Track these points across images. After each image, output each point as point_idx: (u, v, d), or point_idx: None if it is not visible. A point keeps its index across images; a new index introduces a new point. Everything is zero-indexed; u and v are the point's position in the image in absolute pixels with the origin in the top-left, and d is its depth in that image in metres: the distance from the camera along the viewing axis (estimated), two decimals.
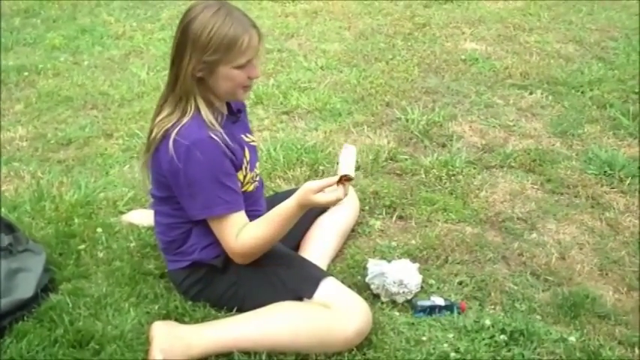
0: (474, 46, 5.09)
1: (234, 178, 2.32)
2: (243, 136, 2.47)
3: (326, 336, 2.24)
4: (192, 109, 2.25)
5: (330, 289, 2.34)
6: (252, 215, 2.38)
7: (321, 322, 2.26)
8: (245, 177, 2.40)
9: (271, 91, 4.32)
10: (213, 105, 2.32)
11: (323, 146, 3.63)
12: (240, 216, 2.31)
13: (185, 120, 2.23)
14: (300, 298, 2.34)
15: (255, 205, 2.48)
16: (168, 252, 2.51)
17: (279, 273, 2.39)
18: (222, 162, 2.26)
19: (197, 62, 2.21)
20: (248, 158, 2.41)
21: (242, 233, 2.29)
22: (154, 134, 2.28)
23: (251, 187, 2.47)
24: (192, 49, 2.20)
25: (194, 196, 2.27)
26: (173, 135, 2.21)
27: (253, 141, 2.53)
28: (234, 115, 2.46)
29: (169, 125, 2.24)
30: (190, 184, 2.25)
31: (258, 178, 2.54)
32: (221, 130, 2.26)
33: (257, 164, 2.52)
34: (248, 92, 2.41)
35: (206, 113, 2.26)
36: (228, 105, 2.46)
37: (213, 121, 2.26)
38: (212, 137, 2.22)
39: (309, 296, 2.32)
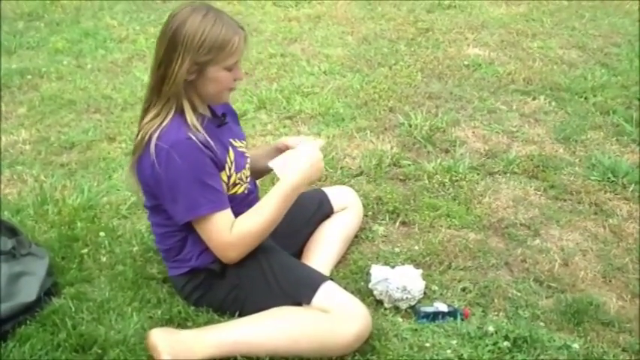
0: (477, 51, 5.09)
1: (217, 178, 2.33)
2: (231, 140, 2.48)
3: (325, 340, 2.25)
4: (174, 111, 2.26)
5: (328, 294, 2.34)
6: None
7: (321, 326, 2.26)
8: (230, 177, 2.40)
9: (274, 95, 4.32)
10: (196, 109, 2.34)
11: (326, 151, 3.62)
12: (227, 214, 2.32)
13: (165, 122, 2.25)
14: (298, 303, 2.34)
15: (249, 207, 2.47)
16: (167, 259, 2.53)
17: (278, 277, 2.39)
18: (203, 161, 2.26)
19: (189, 64, 2.23)
20: (232, 158, 2.41)
21: (237, 226, 2.31)
22: (139, 137, 2.30)
23: (241, 190, 2.47)
24: (184, 52, 2.22)
25: (177, 200, 2.28)
26: (154, 139, 2.23)
27: (241, 146, 2.52)
28: (218, 118, 2.47)
29: (154, 127, 2.25)
30: (172, 188, 2.26)
31: (248, 180, 2.53)
32: (203, 132, 2.28)
33: (247, 167, 2.52)
34: (231, 93, 2.44)
35: (190, 116, 2.27)
36: (212, 109, 2.47)
37: (197, 124, 2.28)
38: (190, 137, 2.23)
39: (307, 302, 2.32)
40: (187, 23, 2.22)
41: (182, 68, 2.22)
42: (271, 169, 2.46)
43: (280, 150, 2.60)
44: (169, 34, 2.25)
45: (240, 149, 2.51)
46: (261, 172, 2.75)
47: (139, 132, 2.32)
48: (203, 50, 2.22)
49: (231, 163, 2.40)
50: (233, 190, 2.43)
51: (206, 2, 2.35)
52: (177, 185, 2.25)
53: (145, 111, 2.33)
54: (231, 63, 2.29)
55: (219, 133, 2.40)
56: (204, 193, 2.26)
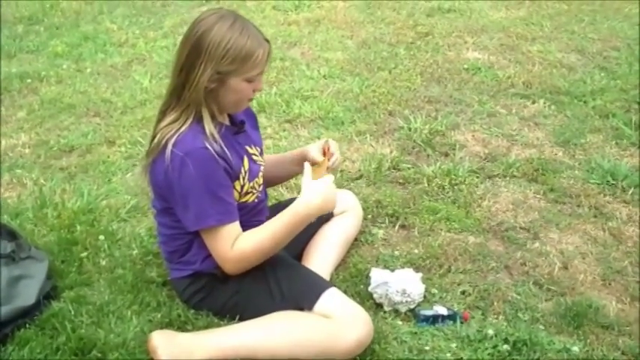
0: (477, 55, 5.10)
1: (229, 189, 2.32)
2: (247, 147, 2.47)
3: (326, 346, 2.24)
4: (192, 119, 2.25)
5: (331, 300, 2.34)
6: (256, 226, 2.38)
7: (322, 332, 2.25)
8: (243, 187, 2.40)
9: (274, 99, 4.32)
10: (214, 117, 2.33)
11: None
12: (234, 227, 2.31)
13: (183, 129, 2.24)
14: (300, 309, 2.33)
15: (258, 216, 2.48)
16: (170, 261, 2.52)
17: (281, 283, 2.39)
18: (216, 173, 2.25)
19: (211, 73, 2.21)
20: (247, 168, 2.40)
21: (239, 242, 2.30)
22: (156, 140, 2.28)
23: (252, 198, 2.46)
24: (208, 59, 2.20)
25: (187, 208, 2.28)
26: (170, 146, 2.21)
27: (255, 154, 2.51)
28: (237, 125, 2.46)
29: (172, 133, 2.24)
30: (184, 195, 2.26)
31: (261, 189, 2.53)
32: (220, 142, 2.26)
33: (260, 175, 2.51)
34: (249, 103, 2.44)
35: (208, 124, 2.26)
36: (231, 116, 2.47)
37: (214, 133, 2.26)
38: (206, 147, 2.22)
39: (310, 307, 2.32)
40: (213, 31, 2.20)
41: (204, 76, 2.21)
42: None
43: (303, 157, 2.60)
44: (193, 40, 2.23)
45: (255, 157, 2.50)
46: (280, 178, 2.76)
47: (154, 135, 2.31)
48: (226, 60, 2.20)
49: (245, 172, 2.40)
50: (244, 199, 2.42)
51: (233, 10, 2.32)
52: (189, 194, 2.25)
53: (163, 113, 2.31)
54: (253, 75, 2.27)
55: (235, 141, 2.40)
56: (214, 204, 2.26)
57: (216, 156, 2.23)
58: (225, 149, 2.28)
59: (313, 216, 2.38)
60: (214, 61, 2.20)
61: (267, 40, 2.31)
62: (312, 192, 2.35)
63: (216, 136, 2.26)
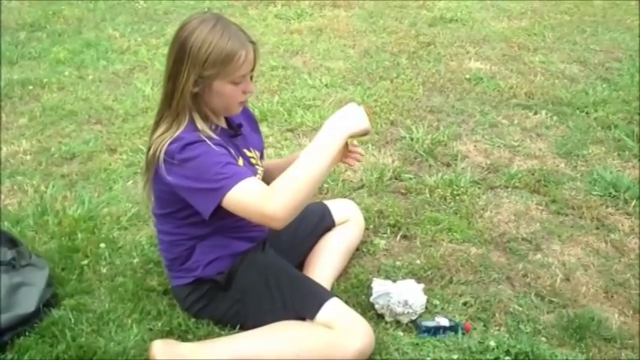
0: (479, 65, 5.10)
1: (234, 159, 2.25)
2: (245, 150, 2.46)
3: (328, 357, 2.22)
4: (187, 122, 2.23)
5: (333, 310, 2.33)
6: (252, 228, 2.36)
7: (323, 342, 2.24)
8: None
9: (276, 108, 4.32)
10: (208, 119, 2.31)
11: None
12: (253, 180, 2.15)
13: (176, 135, 2.20)
14: (302, 318, 2.33)
15: None
16: (172, 268, 2.50)
17: (283, 292, 2.38)
18: (215, 149, 2.18)
19: (195, 78, 2.19)
20: (241, 165, 2.35)
21: (269, 187, 2.10)
22: (151, 152, 2.25)
23: None
24: (190, 65, 2.18)
25: (199, 190, 2.16)
26: (166, 146, 2.18)
27: (253, 157, 2.49)
28: (233, 128, 2.45)
29: (166, 141, 2.21)
30: (194, 178, 2.16)
31: None
32: (217, 138, 2.24)
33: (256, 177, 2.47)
34: (242, 106, 2.39)
35: (202, 125, 2.24)
36: (228, 119, 2.45)
37: (209, 132, 2.23)
38: (201, 137, 2.19)
39: (312, 317, 2.31)
40: (194, 35, 2.18)
41: (189, 82, 2.19)
42: None
43: None
44: (177, 46, 2.22)
45: (253, 160, 2.47)
46: None
47: (149, 147, 2.27)
48: (208, 64, 2.18)
49: None
50: None
51: (216, 13, 2.31)
52: (198, 173, 2.15)
53: (157, 124, 2.29)
54: (237, 77, 2.24)
55: (231, 143, 2.37)
56: (223, 170, 2.13)
57: (213, 144, 2.19)
58: (224, 143, 2.25)
59: (345, 130, 2.22)
60: (197, 66, 2.18)
61: (253, 42, 2.27)
62: (338, 112, 2.25)
63: (212, 134, 2.23)
